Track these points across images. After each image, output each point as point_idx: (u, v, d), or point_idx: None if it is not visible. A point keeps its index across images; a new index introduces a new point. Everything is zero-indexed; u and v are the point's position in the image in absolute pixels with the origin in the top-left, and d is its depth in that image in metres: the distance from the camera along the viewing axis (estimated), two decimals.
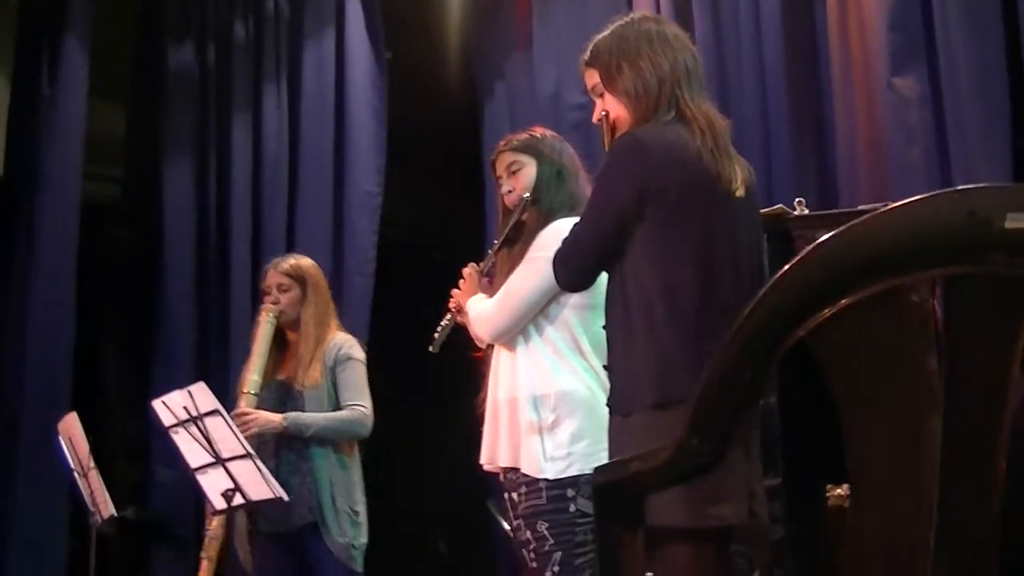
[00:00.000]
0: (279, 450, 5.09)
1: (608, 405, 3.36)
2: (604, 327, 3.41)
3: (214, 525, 5.02)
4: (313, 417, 5.13)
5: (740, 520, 3.17)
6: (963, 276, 1.69)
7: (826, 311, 1.70)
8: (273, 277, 5.32)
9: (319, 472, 5.14)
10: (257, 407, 5.11)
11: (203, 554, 5.08)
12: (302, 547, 5.15)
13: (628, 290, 3.27)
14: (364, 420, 5.23)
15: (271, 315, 5.23)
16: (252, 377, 5.13)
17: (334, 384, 5.24)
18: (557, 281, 3.56)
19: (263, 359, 5.16)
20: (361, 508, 5.24)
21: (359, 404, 5.23)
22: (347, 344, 5.32)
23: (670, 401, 3.10)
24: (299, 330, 5.28)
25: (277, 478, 4.92)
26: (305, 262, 5.44)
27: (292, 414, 5.10)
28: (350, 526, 5.16)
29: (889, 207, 1.69)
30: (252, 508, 4.95)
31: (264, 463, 4.87)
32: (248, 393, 5.10)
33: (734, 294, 3.22)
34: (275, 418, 5.07)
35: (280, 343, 5.30)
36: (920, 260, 1.67)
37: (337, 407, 5.22)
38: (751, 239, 3.40)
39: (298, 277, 5.32)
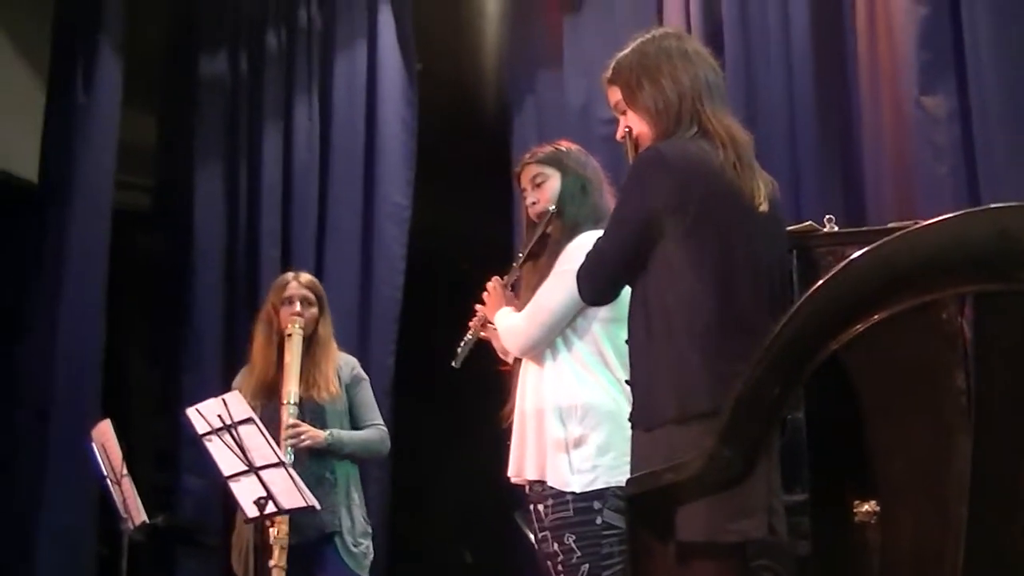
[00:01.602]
0: (304, 461, 5.11)
1: (630, 420, 3.37)
2: (626, 341, 3.42)
3: (281, 533, 4.97)
4: (351, 435, 5.26)
5: (761, 535, 3.17)
6: (993, 294, 1.71)
7: (858, 327, 1.72)
8: (297, 290, 5.34)
9: (339, 483, 5.23)
10: (275, 420, 5.12)
11: (272, 563, 4.96)
12: (313, 558, 5.19)
13: (649, 304, 3.28)
14: (387, 440, 5.40)
15: (298, 326, 5.25)
16: (292, 388, 5.14)
17: (348, 402, 5.35)
18: (580, 295, 3.57)
19: (298, 370, 5.18)
20: (368, 519, 5.37)
21: (380, 424, 5.39)
22: (356, 364, 5.48)
23: (689, 416, 3.11)
24: (317, 346, 5.32)
25: None
26: (316, 280, 5.53)
27: (335, 431, 5.18)
28: (363, 536, 5.27)
29: (921, 225, 1.71)
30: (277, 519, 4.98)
31: None
32: (289, 403, 5.11)
33: (754, 309, 3.22)
34: (321, 434, 5.13)
35: (280, 358, 5.29)
36: (952, 277, 1.69)
37: (353, 425, 5.33)
38: (774, 254, 3.39)
39: (318, 294, 5.40)
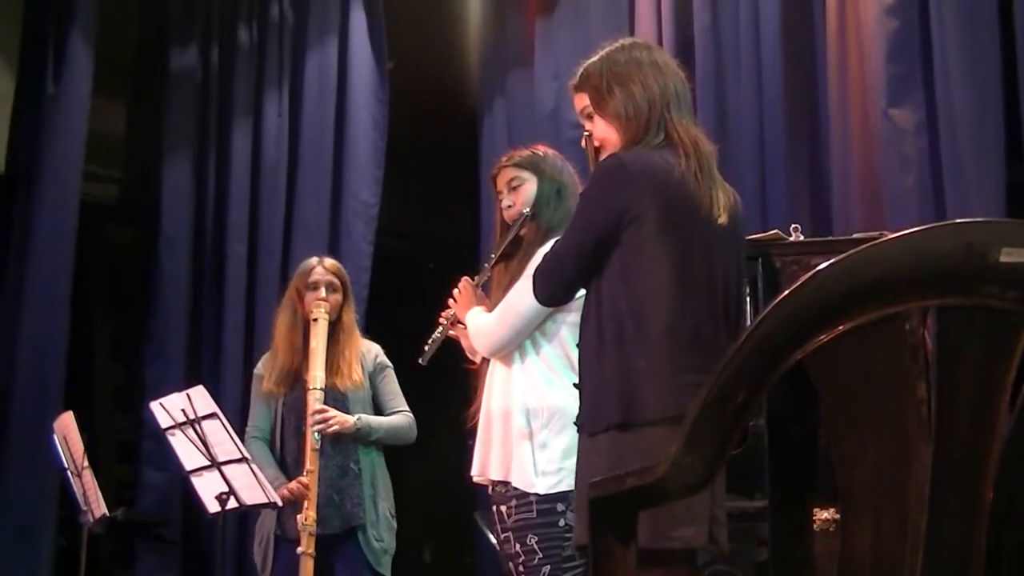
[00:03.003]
0: (328, 450, 5.05)
1: (576, 423, 3.39)
2: (577, 345, 3.44)
3: (309, 520, 4.87)
4: (379, 421, 5.17)
5: (701, 543, 3.19)
6: (957, 307, 1.73)
7: (823, 336, 1.74)
8: (323, 275, 5.26)
9: (364, 474, 5.14)
10: (299, 407, 5.10)
11: (301, 550, 4.86)
12: (335, 550, 5.10)
13: (602, 310, 3.29)
14: (414, 426, 5.28)
15: (323, 311, 5.16)
16: (318, 374, 5.05)
17: (372, 390, 5.27)
18: (535, 295, 3.60)
19: (324, 355, 5.10)
20: (394, 512, 5.25)
21: (406, 410, 5.28)
22: (380, 351, 5.37)
23: (634, 423, 3.14)
24: (341, 332, 5.25)
25: (324, 478, 4.96)
26: (340, 265, 5.44)
27: (364, 416, 5.11)
28: (386, 530, 5.16)
29: (888, 237, 1.73)
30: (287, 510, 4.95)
31: (315, 461, 4.92)
32: (316, 389, 5.03)
33: (707, 319, 3.24)
34: (350, 419, 5.04)
35: (305, 344, 5.21)
36: (917, 290, 1.71)
37: (377, 412, 5.24)
38: (731, 265, 3.40)
39: (343, 280, 5.32)
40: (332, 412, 5.01)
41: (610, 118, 3.46)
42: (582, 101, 3.60)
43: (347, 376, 5.17)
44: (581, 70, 3.60)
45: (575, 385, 3.44)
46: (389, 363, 5.35)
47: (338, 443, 5.07)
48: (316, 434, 4.96)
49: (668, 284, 3.23)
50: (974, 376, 1.77)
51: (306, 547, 4.84)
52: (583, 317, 3.40)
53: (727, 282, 3.36)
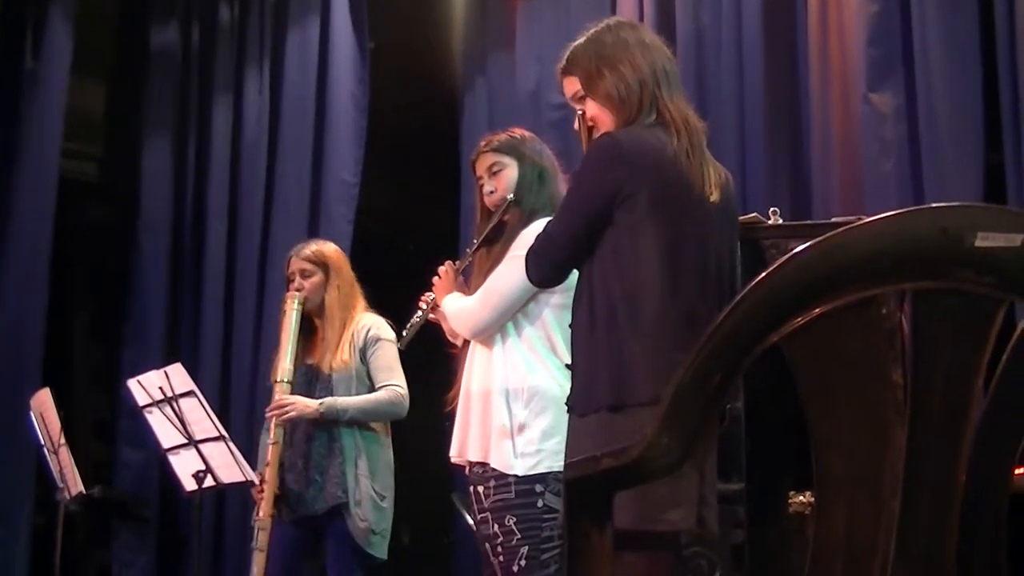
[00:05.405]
0: (311, 432, 5.03)
1: (567, 404, 3.39)
2: (570, 326, 3.43)
3: (262, 516, 4.83)
4: (348, 401, 5.05)
5: (689, 526, 3.19)
6: (932, 290, 1.73)
7: (799, 319, 1.74)
8: (295, 263, 5.23)
9: (347, 453, 5.05)
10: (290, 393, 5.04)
11: (255, 546, 4.84)
12: (322, 531, 5.08)
13: (595, 291, 3.29)
14: (399, 400, 5.14)
15: (295, 302, 5.13)
16: (284, 365, 5.03)
17: (366, 367, 5.19)
18: (528, 276, 3.58)
19: (293, 346, 5.06)
20: (388, 492, 5.17)
21: (393, 384, 5.15)
22: (375, 325, 5.23)
23: (625, 404, 3.14)
24: (322, 315, 5.21)
25: (310, 460, 4.96)
26: (328, 247, 5.37)
27: (328, 399, 5.02)
28: (372, 509, 5.05)
29: (865, 221, 1.73)
30: (279, 494, 4.92)
31: (297, 446, 4.93)
32: (281, 381, 5.00)
33: (700, 300, 3.24)
34: (312, 404, 4.98)
35: (308, 329, 5.20)
36: (893, 273, 1.71)
37: (371, 389, 5.16)
38: (723, 245, 3.40)
39: (320, 262, 5.24)
40: (290, 401, 4.97)
41: (602, 100, 3.45)
42: (572, 85, 3.60)
43: (333, 358, 5.11)
44: (568, 53, 3.59)
45: (567, 366, 3.44)
46: (383, 335, 5.19)
47: (320, 425, 5.03)
48: (278, 426, 4.93)
49: (660, 266, 3.22)
50: (949, 360, 1.77)
51: (259, 543, 4.81)
52: (575, 298, 3.39)
53: (720, 262, 3.36)
